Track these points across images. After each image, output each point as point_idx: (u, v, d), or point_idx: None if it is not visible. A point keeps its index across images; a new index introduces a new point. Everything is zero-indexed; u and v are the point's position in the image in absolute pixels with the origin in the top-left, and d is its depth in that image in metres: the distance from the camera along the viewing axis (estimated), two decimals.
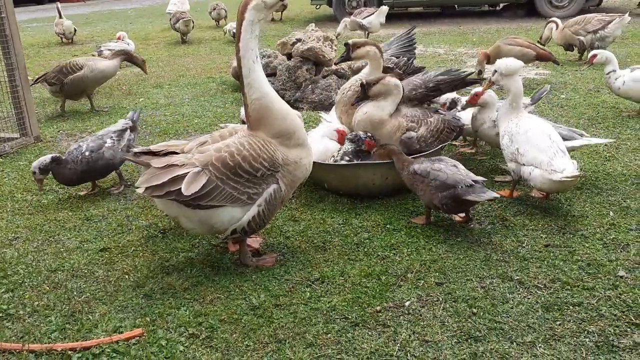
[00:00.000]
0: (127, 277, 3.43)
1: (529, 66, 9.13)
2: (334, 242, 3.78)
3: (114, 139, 4.75)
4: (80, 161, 4.55)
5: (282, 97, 7.76)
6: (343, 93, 4.83)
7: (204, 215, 3.24)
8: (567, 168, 3.74)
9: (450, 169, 3.74)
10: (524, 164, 3.94)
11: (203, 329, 2.89)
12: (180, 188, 3.07)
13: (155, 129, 6.95)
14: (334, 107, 5.07)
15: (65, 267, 3.57)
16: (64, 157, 4.58)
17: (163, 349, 2.74)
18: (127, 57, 7.95)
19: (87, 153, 4.59)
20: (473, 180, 3.62)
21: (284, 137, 3.32)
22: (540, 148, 3.89)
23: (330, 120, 5.03)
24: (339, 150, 4.45)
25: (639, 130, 5.84)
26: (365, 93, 4.45)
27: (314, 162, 3.69)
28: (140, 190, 3.12)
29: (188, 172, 3.11)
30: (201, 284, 3.31)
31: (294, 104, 7.63)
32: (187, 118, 7.34)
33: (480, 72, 7.79)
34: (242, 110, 4.88)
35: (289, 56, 8.09)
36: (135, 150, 3.35)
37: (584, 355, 2.58)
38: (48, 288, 3.32)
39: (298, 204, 4.40)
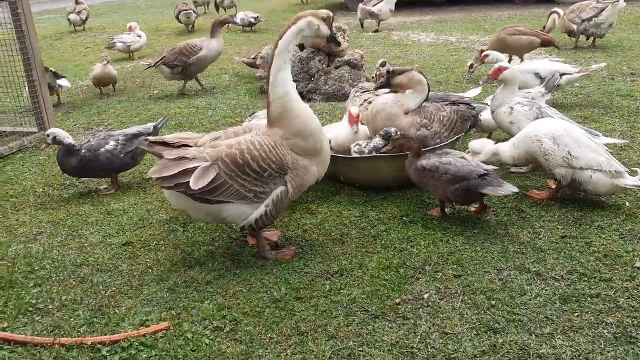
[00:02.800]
0: (150, 270, 3.50)
1: (542, 53, 9.09)
2: (351, 234, 3.83)
3: (118, 143, 4.72)
4: (77, 157, 4.60)
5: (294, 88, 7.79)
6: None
7: (211, 209, 3.34)
8: (623, 168, 3.78)
9: (459, 160, 3.77)
10: (581, 168, 3.80)
11: (227, 322, 2.96)
12: (189, 181, 3.15)
13: (171, 122, 7.00)
14: (348, 100, 5.12)
15: (90, 261, 3.65)
16: (76, 149, 4.65)
17: (189, 341, 2.82)
18: (222, 23, 8.33)
19: (83, 151, 4.62)
20: (485, 170, 3.65)
21: (301, 137, 3.35)
22: (593, 148, 3.84)
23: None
24: (367, 144, 4.46)
25: None
26: (388, 81, 4.52)
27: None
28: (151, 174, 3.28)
29: (198, 166, 3.19)
30: (223, 277, 3.38)
31: (306, 95, 7.66)
32: (200, 110, 7.40)
33: (471, 66, 7.79)
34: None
35: (301, 47, 8.10)
36: (150, 139, 3.44)
37: (602, 347, 2.62)
38: (74, 282, 3.41)
39: (314, 197, 4.45)
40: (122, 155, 4.70)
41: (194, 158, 3.26)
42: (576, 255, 3.37)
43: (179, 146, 3.35)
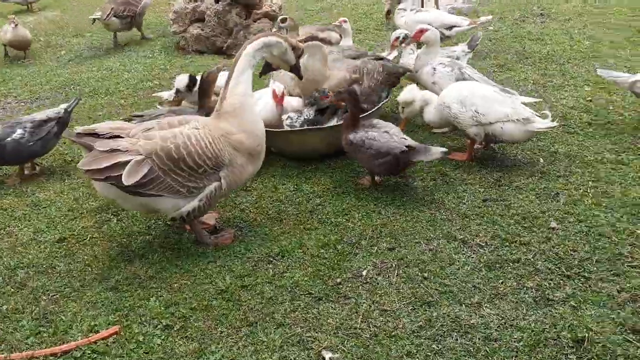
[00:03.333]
0: (89, 269, 3.48)
1: None
2: (288, 211, 3.94)
3: (26, 131, 4.45)
4: None
5: (214, 44, 7.62)
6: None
7: (143, 201, 3.35)
8: (531, 113, 4.01)
9: (383, 136, 3.89)
10: (490, 123, 4.03)
11: (176, 319, 3.03)
12: (121, 175, 3.13)
13: (85, 88, 6.72)
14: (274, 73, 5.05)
15: (25, 263, 3.57)
16: None
17: (141, 344, 2.87)
18: None
19: None
20: (406, 146, 3.80)
21: (248, 136, 3.44)
22: (499, 101, 4.05)
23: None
24: (298, 117, 4.51)
25: (562, 64, 6.17)
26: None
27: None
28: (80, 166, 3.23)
29: (131, 160, 3.16)
30: (165, 270, 3.42)
31: (226, 51, 7.51)
32: (115, 73, 7.12)
33: (388, 12, 7.88)
34: (178, 79, 4.76)
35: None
36: (78, 130, 3.32)
37: (524, 312, 2.90)
38: (12, 289, 3.34)
39: None
40: (30, 144, 4.45)
41: (127, 151, 3.21)
42: (497, 219, 3.63)
43: (110, 137, 3.27)
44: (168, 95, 5.03)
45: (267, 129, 4.26)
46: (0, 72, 7.55)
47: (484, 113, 4.04)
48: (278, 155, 4.64)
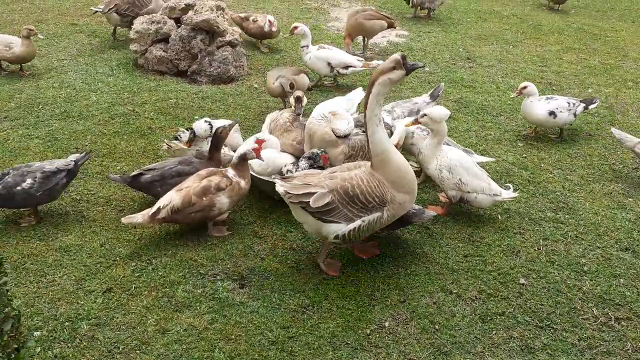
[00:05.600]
0: (146, 320, 3.91)
1: (388, 30, 10.07)
2: (303, 260, 4.58)
3: (36, 181, 4.63)
4: None
5: (176, 66, 7.93)
6: (275, 120, 5.45)
7: (320, 225, 4.21)
8: (499, 188, 5.04)
9: None
10: (468, 192, 4.97)
11: None
12: (309, 201, 4.08)
13: (55, 110, 6.78)
14: (264, 126, 5.59)
15: (82, 314, 3.91)
16: None
17: None
18: None
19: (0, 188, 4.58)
20: (415, 209, 4.61)
21: (397, 184, 4.21)
22: (478, 176, 5.00)
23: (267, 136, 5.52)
24: (293, 164, 5.10)
25: (496, 116, 7.24)
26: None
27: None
28: (280, 190, 4.18)
29: (317, 192, 4.08)
30: (216, 321, 3.94)
31: (191, 76, 7.83)
32: (82, 94, 7.19)
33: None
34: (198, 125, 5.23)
35: (177, 20, 8.10)
36: (281, 177, 4.30)
37: (517, 359, 3.82)
38: (84, 342, 3.69)
39: (254, 217, 5.04)
40: (38, 194, 4.66)
41: (315, 186, 4.12)
42: (479, 274, 4.53)
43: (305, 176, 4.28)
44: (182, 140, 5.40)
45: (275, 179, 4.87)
46: None
47: (465, 183, 4.93)
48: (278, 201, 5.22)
